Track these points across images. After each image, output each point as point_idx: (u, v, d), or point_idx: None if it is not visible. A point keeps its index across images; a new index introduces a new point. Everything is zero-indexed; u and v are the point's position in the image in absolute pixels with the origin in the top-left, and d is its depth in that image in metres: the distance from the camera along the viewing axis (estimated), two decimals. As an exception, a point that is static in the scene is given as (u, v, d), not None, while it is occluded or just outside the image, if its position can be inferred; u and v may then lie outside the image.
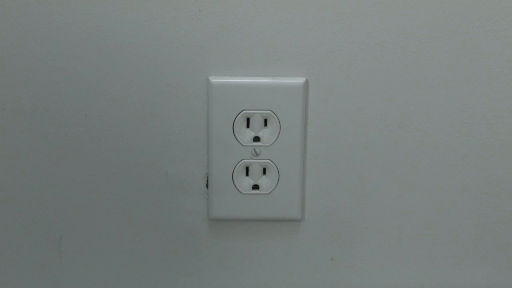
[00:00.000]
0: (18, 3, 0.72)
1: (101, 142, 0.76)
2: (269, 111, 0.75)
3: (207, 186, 0.78)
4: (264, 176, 0.77)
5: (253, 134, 0.76)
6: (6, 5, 0.72)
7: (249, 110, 0.75)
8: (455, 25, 0.73)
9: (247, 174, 0.77)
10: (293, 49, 0.74)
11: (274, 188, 0.77)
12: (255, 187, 0.77)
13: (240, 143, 0.76)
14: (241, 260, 0.81)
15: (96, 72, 0.74)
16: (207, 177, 0.77)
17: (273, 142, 0.76)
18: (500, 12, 0.73)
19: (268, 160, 0.76)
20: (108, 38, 0.73)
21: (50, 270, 0.80)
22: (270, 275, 0.81)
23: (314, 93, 0.75)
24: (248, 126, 0.76)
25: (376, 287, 0.82)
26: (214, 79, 0.74)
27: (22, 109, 0.75)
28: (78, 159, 0.77)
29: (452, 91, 0.75)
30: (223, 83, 0.74)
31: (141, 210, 0.79)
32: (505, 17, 0.73)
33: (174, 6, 0.72)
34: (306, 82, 0.75)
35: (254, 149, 0.76)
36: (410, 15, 0.73)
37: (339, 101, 0.75)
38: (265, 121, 0.75)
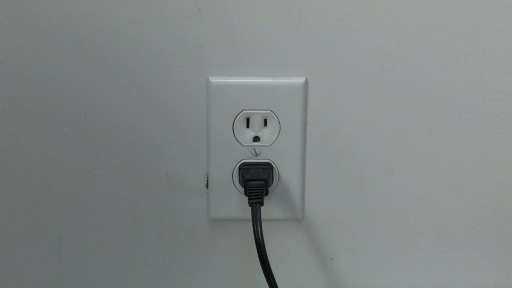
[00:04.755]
0: (18, 3, 0.72)
1: (101, 142, 0.76)
2: (269, 111, 0.75)
3: (207, 186, 0.78)
4: (264, 176, 0.77)
5: (253, 134, 0.76)
6: (6, 5, 0.72)
7: (249, 110, 0.75)
8: (455, 25, 0.73)
9: (247, 174, 0.77)
10: (293, 49, 0.74)
11: (274, 188, 0.77)
12: (255, 187, 0.77)
13: (240, 143, 0.76)
14: (241, 260, 0.81)
15: (96, 72, 0.74)
16: (207, 177, 0.77)
17: (273, 142, 0.76)
18: (500, 12, 0.73)
19: (268, 160, 0.76)
20: (108, 38, 0.73)
21: (50, 270, 0.80)
22: (270, 275, 0.81)
23: (314, 93, 0.75)
24: (248, 126, 0.76)
25: (376, 287, 0.82)
26: (214, 79, 0.74)
27: (22, 109, 0.75)
28: (78, 159, 0.77)
29: (452, 91, 0.75)
30: (223, 83, 0.74)
31: (141, 210, 0.79)
32: (505, 17, 0.73)
33: (174, 6, 0.72)
34: (306, 82, 0.75)
35: (254, 149, 0.76)
36: (410, 15, 0.73)
37: (339, 101, 0.75)
38: (265, 121, 0.75)
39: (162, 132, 0.76)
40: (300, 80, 0.74)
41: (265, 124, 0.76)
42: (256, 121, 0.75)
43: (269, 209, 0.78)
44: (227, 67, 0.74)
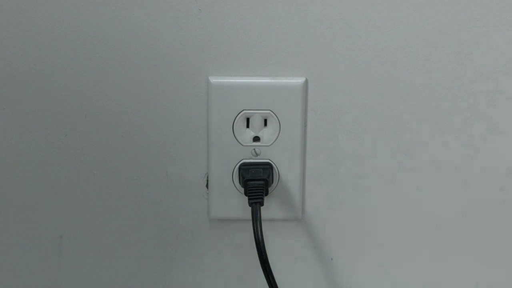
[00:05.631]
0: (18, 3, 0.72)
1: (101, 142, 0.76)
2: (269, 111, 0.75)
3: (207, 186, 0.78)
4: (264, 176, 0.77)
5: (253, 134, 0.76)
6: (6, 5, 0.72)
7: (249, 110, 0.75)
8: (455, 25, 0.73)
9: (247, 174, 0.77)
10: (293, 49, 0.74)
11: (274, 188, 0.77)
12: (255, 187, 0.77)
13: (240, 143, 0.76)
14: (241, 260, 0.81)
15: (96, 72, 0.74)
16: (207, 177, 0.77)
17: (273, 142, 0.76)
18: (500, 12, 0.73)
19: (268, 160, 0.76)
20: (108, 38, 0.73)
21: (50, 269, 0.80)
22: (270, 275, 0.81)
23: (314, 93, 0.75)
24: (248, 126, 0.76)
25: (376, 287, 0.82)
26: (214, 79, 0.74)
27: (22, 109, 0.75)
28: (78, 159, 0.77)
29: (453, 91, 0.75)
30: (223, 83, 0.74)
31: (141, 210, 0.79)
32: (505, 17, 0.73)
33: (174, 6, 0.72)
34: (306, 82, 0.75)
35: (254, 149, 0.76)
36: (410, 15, 0.73)
37: (339, 101, 0.75)
38: (265, 121, 0.75)
39: (162, 132, 0.76)
40: (300, 80, 0.74)
41: (265, 124, 0.76)
42: (256, 121, 0.75)
43: (269, 209, 0.78)
44: (227, 67, 0.74)
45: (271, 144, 0.76)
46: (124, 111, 0.75)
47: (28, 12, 0.72)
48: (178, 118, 0.76)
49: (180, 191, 0.78)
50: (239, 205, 0.78)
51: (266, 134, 0.76)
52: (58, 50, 0.73)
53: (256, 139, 0.76)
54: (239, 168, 0.76)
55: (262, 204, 0.73)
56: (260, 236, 0.71)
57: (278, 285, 0.72)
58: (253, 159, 0.76)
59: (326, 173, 0.78)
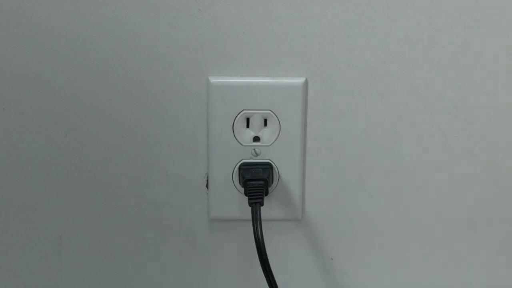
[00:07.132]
0: (18, 3, 0.72)
1: (101, 142, 0.76)
2: (269, 111, 0.75)
3: (207, 186, 0.78)
4: (264, 176, 0.77)
5: (253, 134, 0.76)
6: (6, 5, 0.72)
7: (249, 110, 0.75)
8: (455, 25, 0.73)
9: (247, 174, 0.77)
10: (293, 49, 0.74)
11: (274, 188, 0.77)
12: (255, 187, 0.77)
13: (240, 143, 0.76)
14: (241, 260, 0.81)
15: (96, 72, 0.74)
16: (207, 177, 0.77)
17: (273, 142, 0.76)
18: (500, 12, 0.73)
19: (268, 160, 0.76)
20: (108, 38, 0.73)
21: (50, 269, 0.80)
22: (270, 275, 0.81)
23: (314, 93, 0.75)
24: (248, 126, 0.76)
25: (376, 287, 0.82)
26: (214, 79, 0.74)
27: (22, 109, 0.75)
28: (78, 159, 0.77)
29: (452, 91, 0.75)
30: (223, 83, 0.74)
31: (141, 210, 0.79)
32: (505, 17, 0.73)
33: (174, 6, 0.72)
34: (306, 82, 0.75)
35: (254, 149, 0.76)
36: (410, 15, 0.73)
37: (339, 101, 0.75)
38: (265, 121, 0.75)
39: (162, 132, 0.76)
40: (300, 80, 0.74)
41: (265, 124, 0.76)
42: (256, 121, 0.75)
43: (269, 209, 0.78)
44: (227, 67, 0.74)
45: (271, 144, 0.76)
46: (124, 111, 0.75)
47: (28, 12, 0.72)
48: (178, 118, 0.76)
49: (180, 191, 0.78)
50: (239, 205, 0.78)
51: (266, 134, 0.76)
52: (58, 50, 0.73)
53: (256, 139, 0.76)
54: (239, 168, 0.76)
55: (262, 204, 0.73)
56: (260, 236, 0.71)
57: (278, 285, 0.72)
58: (253, 159, 0.76)
59: (326, 173, 0.78)
